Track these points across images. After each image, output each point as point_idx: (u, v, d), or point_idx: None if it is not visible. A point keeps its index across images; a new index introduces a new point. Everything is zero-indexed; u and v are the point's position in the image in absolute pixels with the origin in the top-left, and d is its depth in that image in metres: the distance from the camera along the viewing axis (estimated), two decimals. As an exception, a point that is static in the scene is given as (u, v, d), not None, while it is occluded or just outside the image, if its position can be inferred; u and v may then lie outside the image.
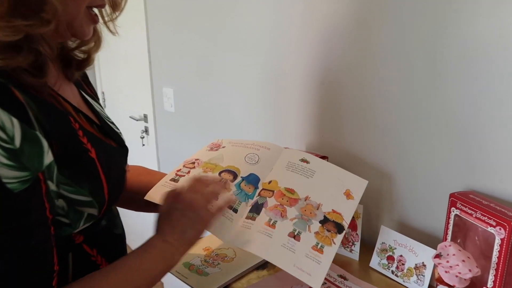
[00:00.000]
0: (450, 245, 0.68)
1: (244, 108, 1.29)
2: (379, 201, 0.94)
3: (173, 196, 0.61)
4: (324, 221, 0.69)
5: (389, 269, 0.83)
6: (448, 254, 0.67)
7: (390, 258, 0.83)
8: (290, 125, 1.13)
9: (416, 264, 0.79)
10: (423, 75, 0.80)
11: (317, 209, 0.71)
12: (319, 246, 0.66)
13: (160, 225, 0.60)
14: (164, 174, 0.78)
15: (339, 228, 0.69)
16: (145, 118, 1.96)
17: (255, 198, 0.73)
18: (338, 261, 0.87)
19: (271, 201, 0.72)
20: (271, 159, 0.79)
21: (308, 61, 1.02)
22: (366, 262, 0.86)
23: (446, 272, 0.67)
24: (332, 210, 0.71)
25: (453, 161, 0.79)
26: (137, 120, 1.97)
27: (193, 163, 0.79)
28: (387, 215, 0.93)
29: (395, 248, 0.81)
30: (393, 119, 0.88)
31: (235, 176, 0.75)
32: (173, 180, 0.75)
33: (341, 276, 0.81)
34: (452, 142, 0.79)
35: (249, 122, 1.28)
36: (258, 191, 0.74)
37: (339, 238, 0.68)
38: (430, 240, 0.81)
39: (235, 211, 0.71)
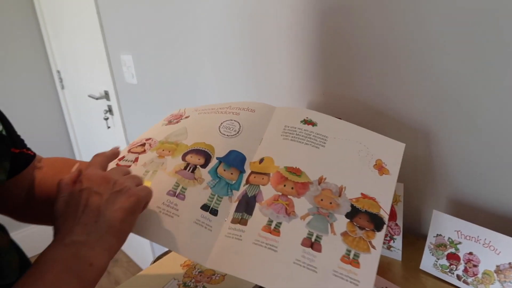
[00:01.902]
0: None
1: (219, 71, 1.01)
2: (420, 173, 0.65)
3: (73, 181, 0.39)
4: (353, 213, 0.44)
5: (453, 274, 0.55)
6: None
7: (453, 257, 0.55)
8: (277, 83, 0.85)
9: (498, 267, 0.51)
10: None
11: (339, 195, 0.46)
12: (352, 256, 0.41)
13: (58, 225, 0.37)
14: None
15: (376, 221, 0.44)
16: (106, 95, 1.65)
17: (242, 189, 0.48)
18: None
19: (268, 191, 0.47)
20: (259, 126, 0.53)
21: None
22: (412, 263, 0.59)
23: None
24: (362, 194, 0.46)
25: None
26: (97, 99, 1.66)
27: (143, 145, 0.52)
28: (435, 195, 0.64)
29: (460, 243, 0.54)
30: (434, 54, 0.57)
31: (207, 157, 0.49)
32: None
33: (383, 288, 0.56)
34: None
35: (226, 86, 1.01)
36: (245, 176, 0.49)
37: (379, 238, 0.43)
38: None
39: (214, 212, 0.45)
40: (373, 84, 0.67)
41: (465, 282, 0.54)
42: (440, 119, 0.60)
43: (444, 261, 0.56)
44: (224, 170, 0.48)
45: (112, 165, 0.49)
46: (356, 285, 0.39)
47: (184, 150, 0.50)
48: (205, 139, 0.51)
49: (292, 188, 0.47)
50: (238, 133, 0.51)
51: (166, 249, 0.76)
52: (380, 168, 0.49)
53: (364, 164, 0.49)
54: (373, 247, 0.42)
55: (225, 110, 0.55)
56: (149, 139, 0.53)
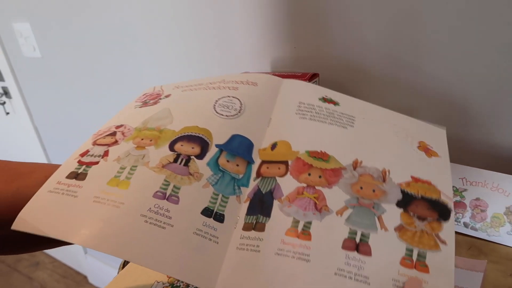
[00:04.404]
0: None
1: (156, 26, 0.83)
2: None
3: None
4: (406, 200, 0.33)
5: (459, 222, 0.54)
6: None
7: (459, 206, 0.54)
8: (239, 39, 0.72)
9: (507, 208, 0.51)
10: None
11: (384, 180, 0.35)
12: (415, 256, 0.30)
13: None
14: (50, 166, 0.39)
15: (440, 209, 0.33)
16: None
17: (252, 184, 0.36)
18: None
19: (288, 184, 0.36)
20: (265, 102, 0.42)
21: None
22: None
23: None
24: (412, 178, 0.35)
25: None
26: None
27: (113, 134, 0.40)
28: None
29: (465, 190, 0.54)
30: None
31: (203, 145, 0.37)
32: (74, 174, 0.35)
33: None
34: None
35: (170, 51, 0.84)
36: (254, 168, 0.37)
37: (448, 229, 0.32)
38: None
39: (219, 218, 0.34)
40: (355, 36, 0.60)
41: (473, 228, 0.53)
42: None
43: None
44: (228, 161, 0.37)
45: (72, 162, 0.37)
46: None
47: (171, 137, 0.38)
48: (197, 122, 0.39)
49: (320, 176, 0.35)
50: (239, 112, 0.40)
51: None
52: (426, 150, 0.39)
53: (406, 145, 0.39)
54: (443, 242, 0.31)
55: (218, 85, 0.43)
56: (120, 126, 0.41)
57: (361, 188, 0.34)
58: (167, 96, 0.45)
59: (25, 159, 1.56)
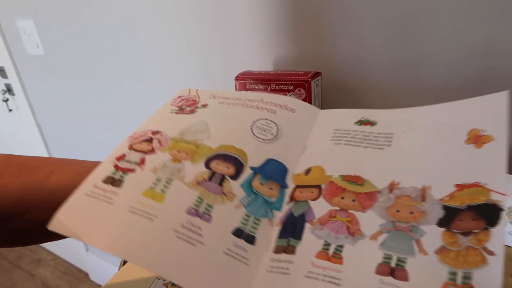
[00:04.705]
0: None
1: (159, 24, 0.82)
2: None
3: None
4: (449, 217, 0.30)
5: None
6: None
7: None
8: (242, 37, 0.72)
9: (509, 208, 0.46)
10: None
11: (423, 199, 0.33)
12: (460, 280, 0.27)
13: None
14: (54, 160, 0.40)
15: (488, 214, 0.29)
16: (1, 72, 1.37)
17: (285, 208, 0.36)
18: None
19: (321, 207, 0.35)
20: (301, 130, 0.43)
21: None
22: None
23: None
24: (457, 186, 0.32)
25: None
26: (-12, 79, 1.45)
27: (149, 141, 0.41)
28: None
29: None
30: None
31: (238, 166, 0.38)
32: (110, 179, 0.36)
33: None
34: None
35: (172, 49, 0.82)
36: (288, 192, 0.37)
37: (497, 235, 0.27)
38: None
39: (250, 240, 0.34)
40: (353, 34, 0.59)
41: None
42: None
43: None
44: (261, 184, 0.37)
45: (108, 165, 0.38)
46: None
47: (207, 154, 0.39)
48: (234, 142, 0.40)
49: (354, 200, 0.34)
50: (276, 137, 0.41)
51: None
52: (477, 139, 0.35)
53: (451, 145, 0.36)
54: (491, 253, 0.27)
55: (256, 104, 0.44)
56: (157, 132, 0.42)
57: (398, 211, 0.32)
58: (204, 106, 0.46)
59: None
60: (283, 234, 0.34)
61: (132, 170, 0.37)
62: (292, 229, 0.34)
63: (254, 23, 0.70)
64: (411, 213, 0.32)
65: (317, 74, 0.60)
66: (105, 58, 1.00)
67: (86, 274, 1.88)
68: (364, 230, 0.32)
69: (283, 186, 0.38)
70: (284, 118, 0.43)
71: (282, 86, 0.58)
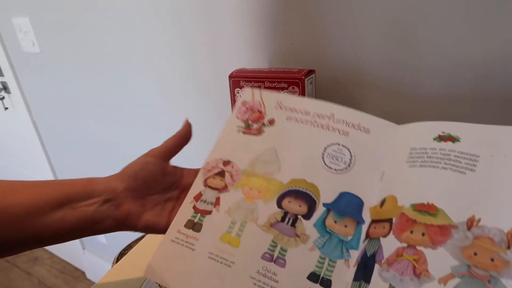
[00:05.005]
0: None
1: (154, 21, 0.82)
2: None
3: None
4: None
5: None
6: None
7: None
8: (237, 35, 0.71)
9: None
10: None
11: (508, 246, 0.29)
12: None
13: None
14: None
15: None
16: None
17: (361, 246, 0.35)
18: None
19: (390, 245, 0.33)
20: (377, 154, 0.39)
21: None
22: None
23: None
24: None
25: None
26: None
27: (222, 174, 0.42)
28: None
29: None
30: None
31: (310, 204, 0.38)
32: (191, 224, 0.39)
33: None
34: None
35: (168, 47, 0.82)
36: (364, 228, 0.36)
37: None
38: None
39: (326, 284, 0.34)
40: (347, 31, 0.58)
41: None
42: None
43: None
44: (335, 222, 0.37)
45: (188, 207, 0.40)
46: None
47: (278, 190, 0.39)
48: (305, 174, 0.39)
49: (424, 234, 0.31)
50: (349, 166, 0.39)
51: (129, 242, 0.65)
52: None
53: None
54: None
55: (326, 123, 0.42)
56: (228, 163, 0.42)
57: (475, 254, 0.29)
58: (270, 123, 0.44)
59: (24, 154, 1.67)
60: (357, 276, 0.34)
61: (209, 213, 0.39)
62: (364, 270, 0.33)
63: (249, 20, 0.69)
64: (492, 260, 0.28)
65: (311, 71, 0.59)
66: (101, 56, 1.00)
67: (83, 273, 1.89)
68: (432, 271, 0.29)
69: (359, 221, 0.36)
70: (357, 141, 0.40)
71: (276, 83, 0.57)
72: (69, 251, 1.85)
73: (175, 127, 0.93)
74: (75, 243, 1.73)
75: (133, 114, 1.04)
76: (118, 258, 0.60)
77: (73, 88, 1.15)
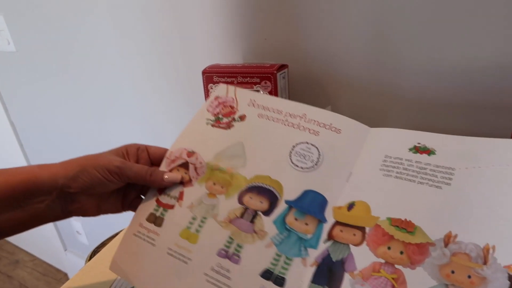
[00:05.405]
0: None
1: (125, 17, 0.81)
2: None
3: None
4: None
5: None
6: None
7: None
8: (210, 30, 0.70)
9: None
10: None
11: (485, 261, 0.28)
12: None
13: None
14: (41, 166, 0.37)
15: None
16: None
17: (322, 247, 0.33)
18: None
19: (363, 256, 0.31)
20: (347, 154, 0.37)
21: None
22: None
23: None
24: None
25: None
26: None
27: (185, 166, 0.40)
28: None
29: None
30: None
31: (272, 200, 0.35)
32: (153, 218, 0.38)
33: None
34: None
35: (144, 47, 0.81)
36: (326, 228, 0.33)
37: None
38: None
39: (279, 282, 0.31)
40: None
41: None
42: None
43: None
44: (296, 220, 0.34)
45: (151, 200, 0.39)
46: None
47: (241, 186, 0.37)
48: (270, 171, 0.37)
49: (402, 252, 0.30)
50: (316, 164, 0.37)
51: (103, 239, 0.67)
52: None
53: None
54: None
55: (298, 122, 0.40)
56: (193, 153, 0.40)
57: (453, 272, 0.28)
58: (241, 118, 0.42)
59: (2, 155, 1.59)
60: (317, 278, 0.31)
61: (172, 207, 0.38)
62: (329, 275, 0.31)
63: (222, 15, 0.68)
64: (469, 277, 0.27)
65: (283, 66, 0.59)
66: (77, 54, 0.98)
67: (65, 275, 1.83)
68: None
69: (321, 220, 0.34)
70: (327, 140, 0.38)
71: (249, 79, 0.58)
72: (51, 253, 1.79)
73: (149, 123, 0.80)
74: (57, 245, 1.67)
75: (109, 111, 1.02)
76: (91, 256, 0.59)
77: (50, 87, 1.12)
